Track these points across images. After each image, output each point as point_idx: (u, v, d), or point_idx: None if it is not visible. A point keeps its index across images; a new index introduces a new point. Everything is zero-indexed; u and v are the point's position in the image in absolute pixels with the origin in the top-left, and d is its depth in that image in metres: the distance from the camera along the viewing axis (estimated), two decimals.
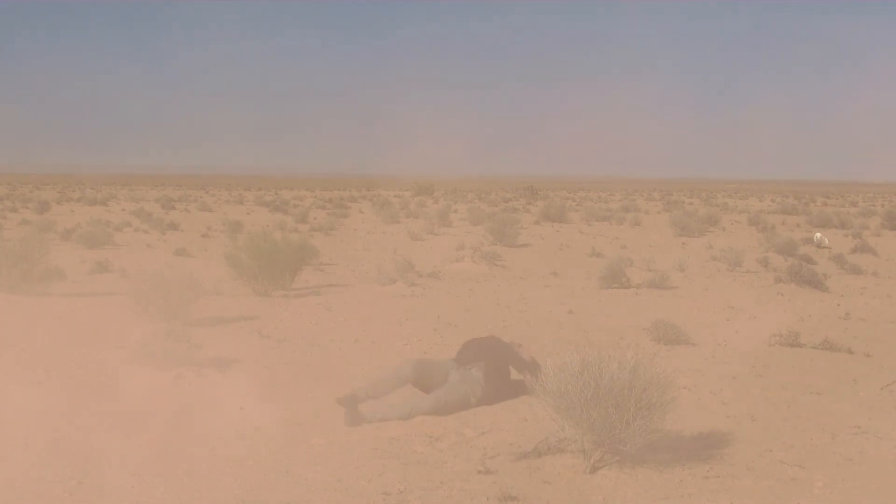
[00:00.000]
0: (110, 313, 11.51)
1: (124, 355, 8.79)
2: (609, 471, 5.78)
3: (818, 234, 27.27)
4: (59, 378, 8.12)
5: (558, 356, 6.03)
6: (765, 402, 7.57)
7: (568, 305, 13.02)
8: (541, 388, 5.92)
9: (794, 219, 42.57)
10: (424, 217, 36.45)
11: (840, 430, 6.73)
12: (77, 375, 8.23)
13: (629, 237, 28.99)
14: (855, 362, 9.32)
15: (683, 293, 14.75)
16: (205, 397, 7.66)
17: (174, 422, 6.90)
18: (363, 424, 6.89)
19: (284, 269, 14.49)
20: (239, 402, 7.48)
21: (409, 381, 7.41)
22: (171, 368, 8.31)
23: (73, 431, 6.57)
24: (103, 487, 5.48)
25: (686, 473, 5.77)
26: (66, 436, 6.46)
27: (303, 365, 8.91)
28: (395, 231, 31.19)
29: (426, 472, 5.81)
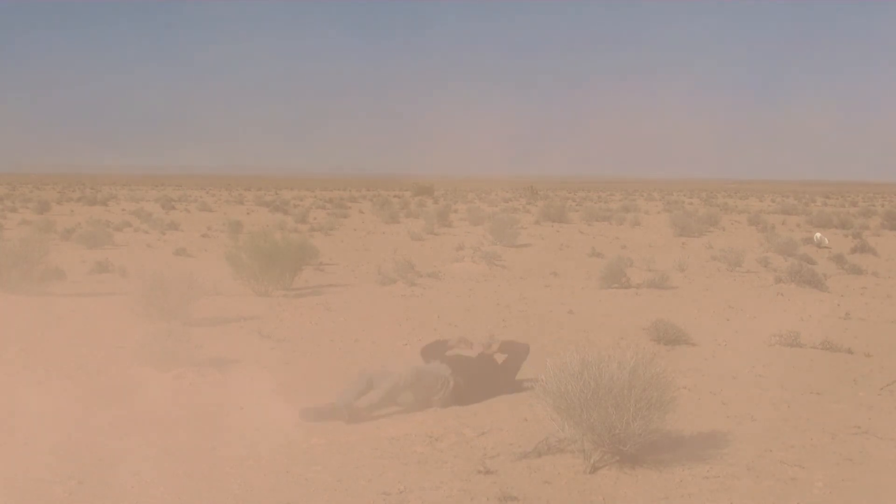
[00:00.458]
0: (110, 313, 11.51)
1: (124, 355, 8.80)
2: (609, 471, 5.78)
3: (818, 234, 27.28)
4: (58, 378, 8.11)
5: (558, 356, 6.03)
6: (765, 402, 7.57)
7: (568, 305, 13.02)
8: (541, 388, 5.92)
9: (794, 219, 42.58)
10: (424, 217, 36.45)
11: (840, 430, 6.73)
12: (77, 375, 8.23)
13: (629, 237, 28.99)
14: (855, 362, 9.32)
15: (683, 293, 14.75)
16: (205, 397, 7.66)
17: (174, 421, 6.90)
18: (361, 420, 6.91)
19: (284, 269, 14.50)
20: (238, 402, 7.49)
21: (368, 389, 7.40)
22: (171, 368, 8.32)
23: (73, 431, 6.56)
24: (103, 487, 5.48)
25: (686, 473, 5.77)
26: (66, 435, 6.45)
27: (302, 365, 8.91)
28: (395, 231, 31.20)
29: (426, 472, 5.81)
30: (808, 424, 6.90)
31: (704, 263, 20.17)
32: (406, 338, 10.29)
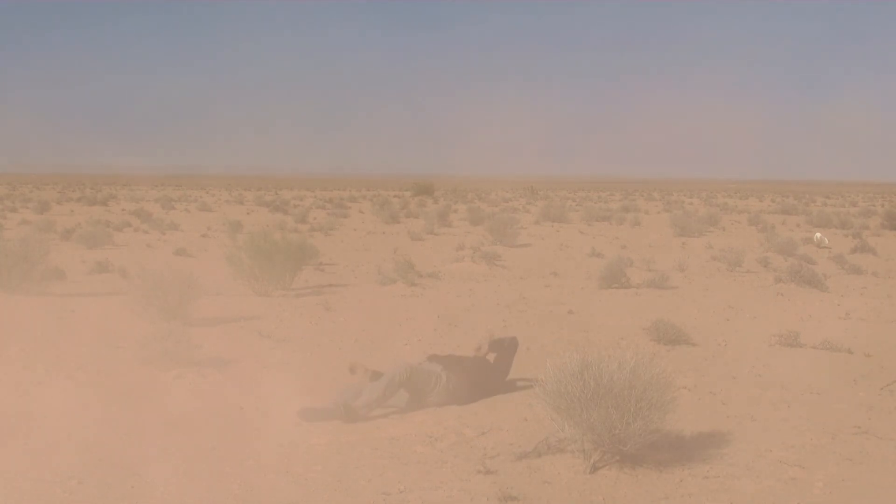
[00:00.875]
0: (110, 313, 11.51)
1: (124, 355, 8.80)
2: (609, 471, 5.78)
3: (818, 234, 27.27)
4: (58, 378, 8.11)
5: (558, 356, 6.03)
6: (765, 402, 7.57)
7: (568, 305, 13.02)
8: (541, 387, 5.92)
9: (794, 219, 42.58)
10: (424, 217, 36.44)
11: (840, 430, 6.73)
12: (77, 376, 8.23)
13: (629, 237, 28.98)
14: (855, 362, 9.32)
15: (683, 293, 14.75)
16: (204, 397, 7.66)
17: (173, 421, 6.90)
18: (358, 419, 6.92)
19: (284, 269, 14.49)
20: (238, 402, 7.49)
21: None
22: (171, 368, 8.32)
23: (72, 431, 6.57)
24: (103, 487, 5.48)
25: (686, 473, 5.77)
26: (66, 435, 6.46)
27: (302, 365, 8.91)
28: (395, 231, 31.20)
29: (426, 472, 5.81)
30: (808, 424, 6.90)
31: (704, 263, 20.17)
32: (406, 338, 10.29)
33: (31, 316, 11.37)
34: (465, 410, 7.26)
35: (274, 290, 14.16)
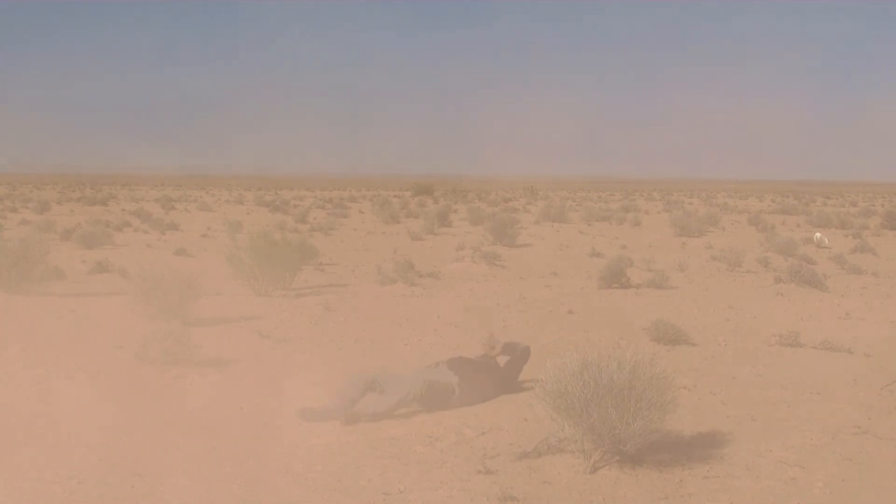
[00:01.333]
0: (110, 313, 11.51)
1: (125, 355, 8.80)
2: (609, 471, 5.78)
3: (818, 234, 27.27)
4: (58, 378, 8.11)
5: (558, 356, 6.03)
6: (765, 402, 7.57)
7: (568, 305, 13.02)
8: (541, 387, 5.92)
9: (794, 219, 42.58)
10: (424, 217, 36.44)
11: (840, 430, 6.73)
12: (77, 376, 8.23)
13: (629, 237, 28.99)
14: (855, 362, 9.31)
15: (683, 293, 14.75)
16: (204, 397, 7.66)
17: (173, 421, 6.90)
18: (359, 422, 6.91)
19: (284, 269, 14.49)
20: (238, 402, 7.49)
21: (367, 391, 7.36)
22: (171, 368, 8.32)
23: (72, 431, 6.57)
24: (102, 487, 5.48)
25: (686, 473, 5.77)
26: (66, 435, 6.46)
27: (302, 365, 8.91)
28: (395, 231, 31.20)
29: (426, 472, 5.81)
30: (808, 424, 6.90)
31: (704, 263, 20.17)
32: (406, 338, 10.29)
33: (31, 316, 11.38)
34: (466, 410, 7.26)
35: (274, 290, 14.16)
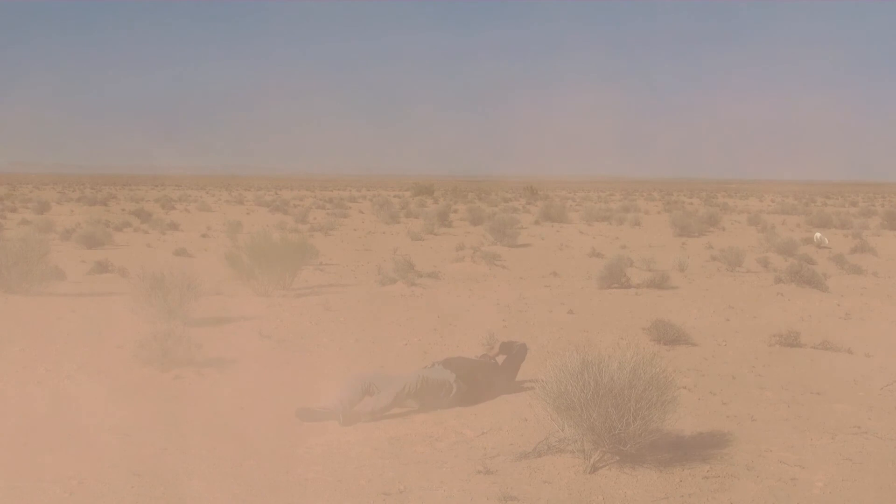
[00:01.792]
0: (110, 313, 11.51)
1: (125, 355, 8.80)
2: (609, 471, 5.78)
3: (818, 234, 27.27)
4: (58, 378, 8.11)
5: (558, 356, 6.03)
6: (765, 402, 7.57)
7: (568, 305, 13.01)
8: (541, 387, 5.92)
9: (794, 219, 42.57)
10: (424, 217, 36.44)
11: (840, 430, 6.73)
12: (77, 376, 8.23)
13: (629, 237, 28.99)
14: (855, 362, 9.32)
15: (683, 293, 14.75)
16: (204, 397, 7.66)
17: (172, 421, 6.90)
18: (358, 422, 6.92)
19: (284, 269, 14.49)
20: (238, 402, 7.49)
21: (365, 393, 7.35)
22: (170, 368, 8.32)
23: (72, 431, 6.57)
24: (103, 487, 5.48)
25: (686, 473, 5.77)
26: (66, 435, 6.46)
27: (302, 365, 8.91)
28: (395, 231, 31.20)
29: (426, 472, 5.81)
30: (808, 424, 6.90)
31: (704, 263, 20.17)
32: (406, 338, 10.29)
33: (31, 316, 11.38)
34: (466, 410, 7.26)
35: (274, 290, 14.15)
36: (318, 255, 18.24)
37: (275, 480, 5.67)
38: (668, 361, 8.20)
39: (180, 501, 5.30)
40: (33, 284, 13.28)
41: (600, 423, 5.67)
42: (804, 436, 6.59)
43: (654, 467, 5.83)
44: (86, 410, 7.12)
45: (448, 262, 19.58)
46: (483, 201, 59.39)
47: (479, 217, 35.55)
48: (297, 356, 9.31)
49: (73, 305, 12.34)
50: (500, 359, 8.10)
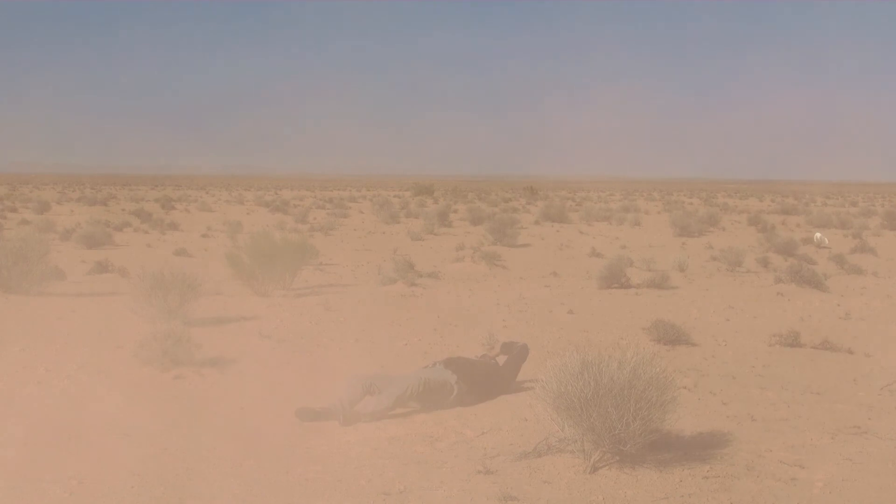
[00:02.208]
0: (110, 313, 11.51)
1: (125, 355, 8.80)
2: (609, 471, 5.78)
3: (818, 234, 27.28)
4: (59, 378, 8.11)
5: (558, 356, 6.03)
6: (765, 402, 7.57)
7: (568, 305, 13.01)
8: (541, 387, 5.92)
9: (794, 219, 42.58)
10: (424, 217, 36.45)
11: (840, 430, 6.73)
12: (77, 376, 8.22)
13: (629, 237, 28.99)
14: (855, 362, 9.32)
15: (683, 293, 14.75)
16: (204, 397, 7.66)
17: (172, 421, 6.90)
18: (358, 423, 6.91)
19: (284, 268, 14.49)
20: (238, 402, 7.49)
21: (365, 393, 7.34)
22: (171, 368, 8.32)
23: (73, 431, 6.57)
24: (103, 487, 5.48)
25: (686, 473, 5.77)
26: (66, 435, 6.46)
27: (302, 365, 8.91)
28: (395, 231, 31.20)
29: (426, 472, 5.81)
30: (808, 424, 6.90)
31: (704, 263, 20.18)
32: (406, 338, 10.28)
33: (31, 316, 11.37)
34: (466, 410, 7.26)
35: (274, 290, 14.15)
36: (318, 255, 18.23)
37: (275, 480, 5.67)
38: (668, 361, 8.20)
39: (180, 501, 5.30)
40: (33, 284, 13.28)
41: (600, 423, 5.67)
42: (804, 436, 6.59)
43: (654, 467, 5.83)
44: (86, 410, 7.12)
45: (448, 262, 19.59)
46: (483, 201, 59.40)
47: (479, 217, 35.55)
48: (297, 356, 9.30)
49: (73, 305, 12.33)
50: (501, 359, 8.10)
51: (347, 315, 11.84)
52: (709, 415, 7.13)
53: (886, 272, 18.96)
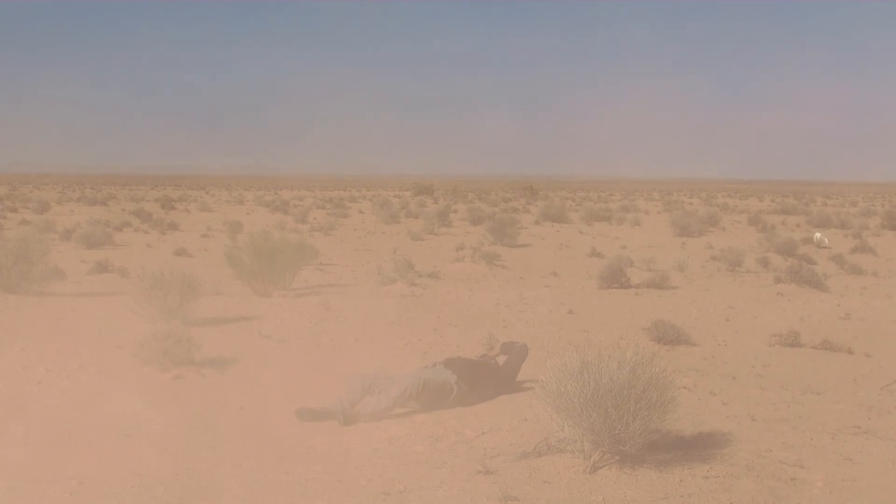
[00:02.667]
0: (110, 313, 11.51)
1: (125, 355, 8.80)
2: (609, 471, 5.78)
3: (818, 234, 27.30)
4: (59, 378, 8.11)
5: (558, 356, 6.03)
6: (765, 402, 7.57)
7: (568, 305, 13.02)
8: (541, 387, 5.92)
9: (794, 219, 42.59)
10: (424, 217, 36.45)
11: (840, 430, 6.73)
12: (77, 376, 8.22)
13: (629, 237, 29.00)
14: (855, 362, 9.32)
15: (683, 293, 14.75)
16: (204, 397, 7.66)
17: (173, 421, 6.90)
18: (358, 423, 6.92)
19: (284, 269, 14.50)
20: (238, 402, 7.49)
21: (365, 393, 7.34)
22: (171, 368, 8.32)
23: (73, 431, 6.57)
24: (103, 487, 5.48)
25: (686, 473, 5.77)
26: (67, 436, 6.46)
27: (302, 365, 8.91)
28: (395, 231, 31.20)
29: (426, 472, 5.81)
30: (808, 424, 6.90)
31: (704, 263, 20.18)
32: (406, 338, 10.28)
33: (31, 316, 11.38)
34: (466, 410, 7.26)
35: (274, 290, 14.16)
36: (318, 255, 18.24)
37: (275, 480, 5.67)
38: (668, 361, 8.21)
39: (180, 501, 5.30)
40: (33, 284, 13.29)
41: (600, 423, 5.67)
42: (804, 436, 6.59)
43: (654, 467, 5.83)
44: (86, 410, 7.12)
45: (448, 262, 19.59)
46: (483, 201, 59.40)
47: (479, 217, 35.56)
48: (296, 356, 9.30)
49: (73, 305, 12.34)
50: (501, 359, 8.10)
51: (347, 315, 11.85)
52: (709, 415, 7.13)
53: (886, 272, 18.96)
